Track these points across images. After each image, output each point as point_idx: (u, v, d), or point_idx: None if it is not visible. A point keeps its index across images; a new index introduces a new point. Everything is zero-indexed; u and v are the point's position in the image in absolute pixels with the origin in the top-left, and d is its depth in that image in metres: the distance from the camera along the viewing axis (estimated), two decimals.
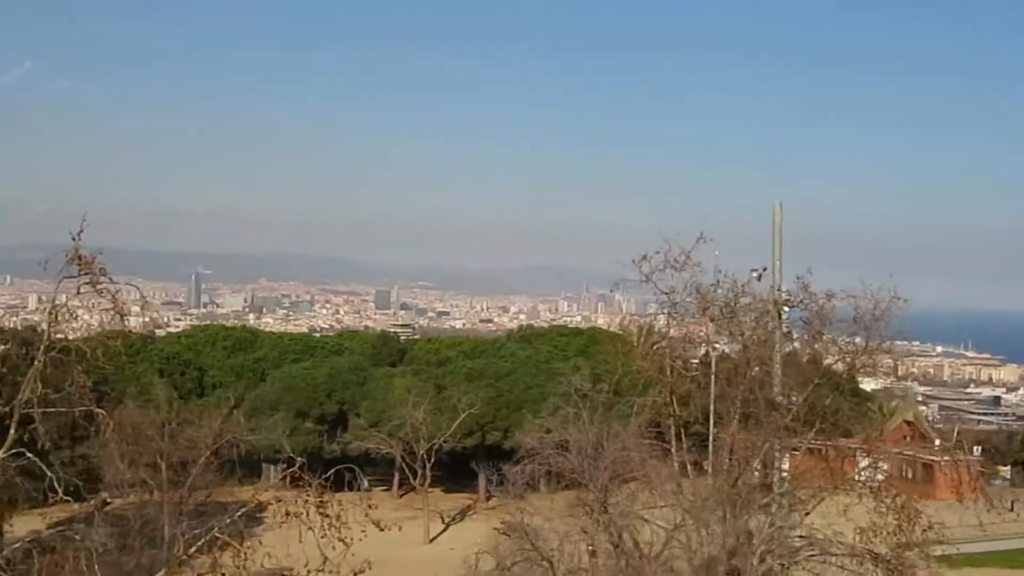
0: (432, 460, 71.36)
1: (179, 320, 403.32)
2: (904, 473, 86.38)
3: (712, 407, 33.68)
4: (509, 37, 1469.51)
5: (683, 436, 33.55)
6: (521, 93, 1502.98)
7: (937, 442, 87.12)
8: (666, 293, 32.34)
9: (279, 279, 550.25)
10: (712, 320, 32.01)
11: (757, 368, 35.10)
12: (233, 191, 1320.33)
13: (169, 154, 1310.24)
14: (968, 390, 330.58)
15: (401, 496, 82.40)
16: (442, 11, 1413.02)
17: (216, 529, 15.63)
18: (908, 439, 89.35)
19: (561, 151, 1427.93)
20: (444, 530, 73.16)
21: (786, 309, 37.73)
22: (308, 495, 14.70)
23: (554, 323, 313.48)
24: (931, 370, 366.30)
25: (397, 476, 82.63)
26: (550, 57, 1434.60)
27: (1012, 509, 77.45)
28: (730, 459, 30.94)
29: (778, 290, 36.33)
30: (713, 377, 34.55)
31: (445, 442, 70.43)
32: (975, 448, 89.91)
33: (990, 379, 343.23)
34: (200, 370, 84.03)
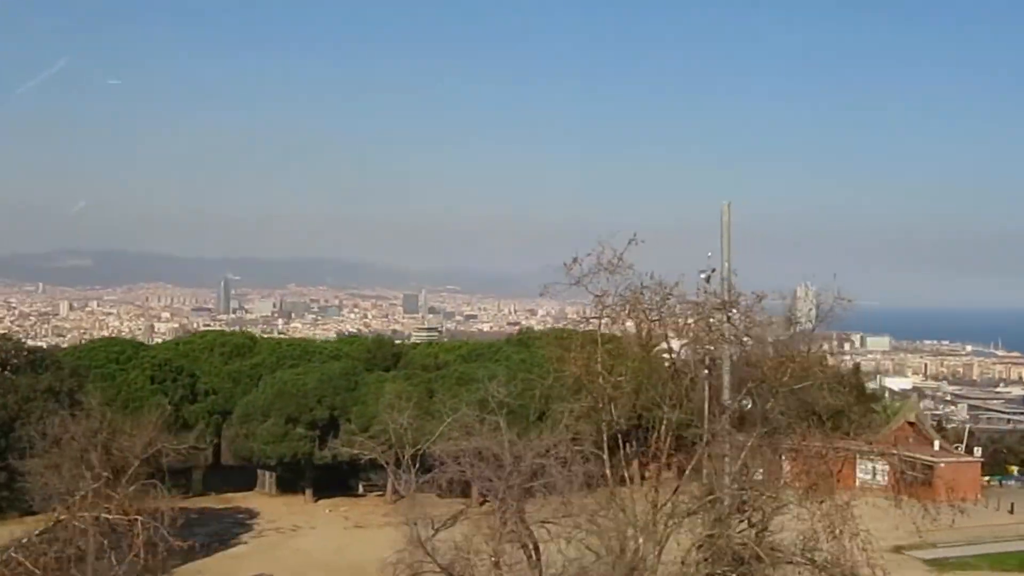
0: (417, 465, 70.83)
1: (208, 326, 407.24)
2: (904, 474, 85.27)
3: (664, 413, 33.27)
4: (536, 37, 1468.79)
5: (625, 444, 32.90)
6: (550, 92, 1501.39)
7: (936, 444, 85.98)
8: (598, 296, 31.99)
9: (308, 284, 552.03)
10: (640, 323, 31.51)
11: (706, 371, 34.79)
12: (264, 196, 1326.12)
13: (199, 160, 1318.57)
14: (998, 389, 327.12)
15: (394, 502, 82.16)
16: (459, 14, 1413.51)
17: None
18: (910, 440, 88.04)
19: (589, 152, 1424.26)
20: (434, 535, 72.63)
21: (734, 311, 37.44)
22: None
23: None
24: (960, 369, 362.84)
25: (391, 481, 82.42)
26: (571, 57, 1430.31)
27: (1012, 511, 76.64)
28: (659, 467, 30.59)
29: (720, 292, 36.12)
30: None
31: (431, 447, 69.83)
32: (976, 450, 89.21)
33: (1020, 378, 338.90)
34: (193, 376, 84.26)
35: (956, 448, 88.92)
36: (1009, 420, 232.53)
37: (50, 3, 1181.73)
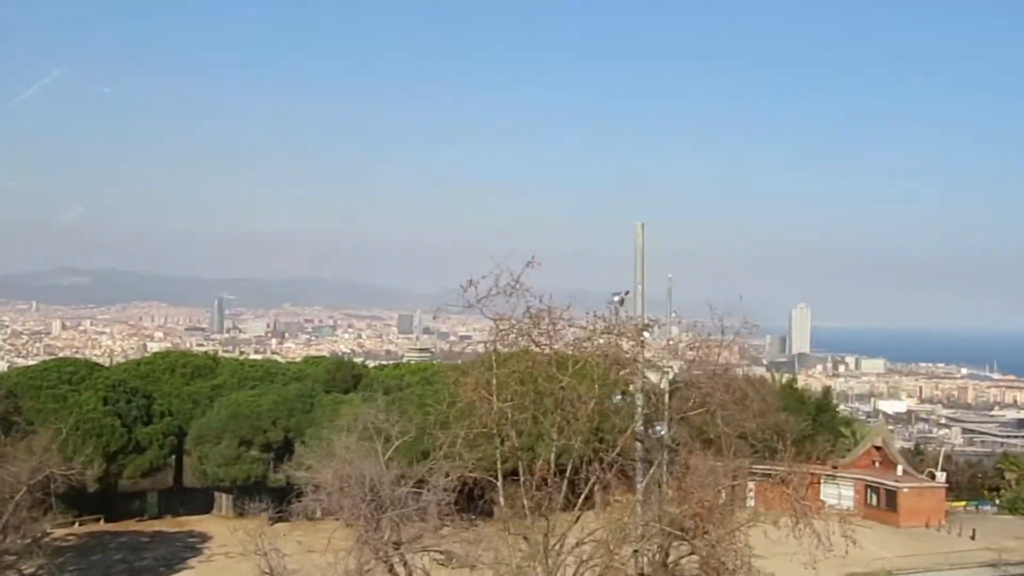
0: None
1: (201, 346, 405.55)
2: (868, 499, 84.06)
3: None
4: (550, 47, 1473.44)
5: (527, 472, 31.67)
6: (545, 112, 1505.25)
7: (899, 469, 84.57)
8: (494, 319, 31.17)
9: (302, 304, 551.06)
10: (538, 345, 30.49)
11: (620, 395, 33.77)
12: (258, 216, 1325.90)
13: (193, 180, 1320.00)
14: (992, 412, 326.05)
15: (349, 525, 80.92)
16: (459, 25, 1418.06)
17: None
18: (877, 464, 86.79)
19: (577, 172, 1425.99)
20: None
21: (647, 334, 36.47)
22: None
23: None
24: (955, 392, 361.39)
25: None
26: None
27: (974, 537, 75.26)
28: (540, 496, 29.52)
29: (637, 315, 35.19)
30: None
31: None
32: (939, 475, 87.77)
33: (1015, 401, 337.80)
34: (148, 397, 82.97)
35: (928, 473, 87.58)
36: (1003, 444, 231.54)
37: (40, 20, 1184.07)
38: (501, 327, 30.11)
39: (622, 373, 30.98)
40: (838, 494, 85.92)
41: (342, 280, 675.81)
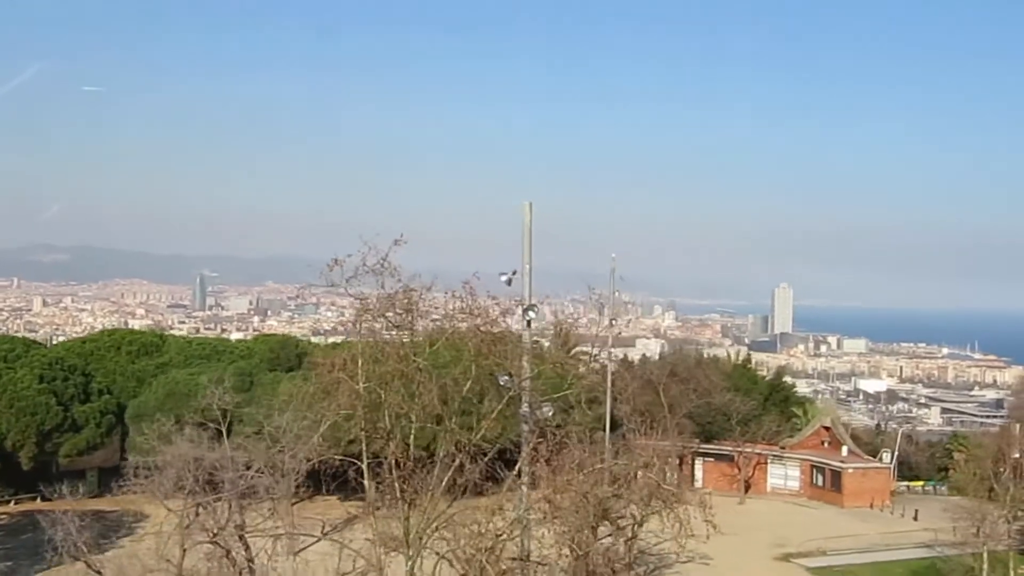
0: (302, 468, 68.73)
1: (183, 323, 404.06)
2: (814, 480, 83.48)
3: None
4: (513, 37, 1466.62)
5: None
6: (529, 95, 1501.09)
7: (844, 449, 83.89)
8: (359, 299, 30.29)
9: (285, 281, 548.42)
10: (396, 327, 29.50)
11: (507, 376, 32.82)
12: (241, 193, 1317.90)
13: (175, 157, 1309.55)
14: (972, 392, 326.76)
15: (293, 504, 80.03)
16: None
17: None
18: (826, 444, 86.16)
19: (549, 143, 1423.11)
20: (315, 542, 70.64)
21: (532, 313, 35.56)
22: None
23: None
24: (935, 372, 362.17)
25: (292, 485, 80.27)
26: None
27: (916, 518, 74.69)
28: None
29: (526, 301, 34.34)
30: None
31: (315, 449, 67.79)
32: (884, 455, 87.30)
33: (995, 381, 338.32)
34: (86, 376, 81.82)
35: (875, 453, 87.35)
36: (982, 423, 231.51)
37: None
38: (358, 308, 29.37)
39: (491, 355, 29.90)
40: (785, 474, 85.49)
41: (324, 259, 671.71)
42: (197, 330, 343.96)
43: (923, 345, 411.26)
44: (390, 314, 28.31)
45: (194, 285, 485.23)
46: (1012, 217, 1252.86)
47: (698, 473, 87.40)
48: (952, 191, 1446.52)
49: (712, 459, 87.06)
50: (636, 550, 57.44)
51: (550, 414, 33.58)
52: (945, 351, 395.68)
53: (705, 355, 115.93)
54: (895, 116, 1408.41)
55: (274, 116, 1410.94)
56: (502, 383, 32.25)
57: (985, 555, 53.76)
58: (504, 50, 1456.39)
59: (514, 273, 37.10)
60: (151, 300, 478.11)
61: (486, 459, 29.98)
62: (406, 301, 28.44)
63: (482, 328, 28.92)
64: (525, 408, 32.95)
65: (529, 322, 35.11)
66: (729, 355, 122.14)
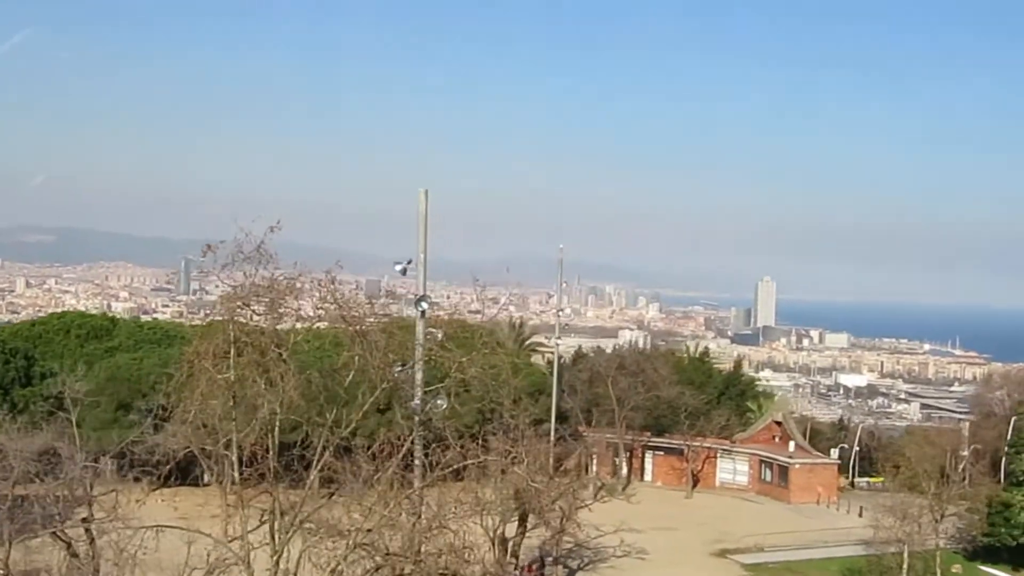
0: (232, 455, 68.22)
1: (167, 306, 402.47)
2: (762, 475, 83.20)
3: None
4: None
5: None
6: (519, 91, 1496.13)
7: (792, 445, 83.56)
8: (233, 286, 29.79)
9: (269, 267, 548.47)
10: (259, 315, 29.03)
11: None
12: (226, 178, 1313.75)
13: (162, 139, 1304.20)
14: (952, 388, 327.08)
15: (235, 492, 79.52)
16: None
17: None
18: (776, 440, 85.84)
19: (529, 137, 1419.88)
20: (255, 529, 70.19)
21: (425, 304, 35.22)
22: None
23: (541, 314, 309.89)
24: (916, 367, 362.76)
25: (230, 472, 79.76)
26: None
27: (860, 514, 74.33)
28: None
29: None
30: None
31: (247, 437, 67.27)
32: (832, 451, 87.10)
33: (974, 377, 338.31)
34: (29, 359, 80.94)
35: (840, 449, 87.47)
36: (959, 419, 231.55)
37: None
38: (226, 296, 28.94)
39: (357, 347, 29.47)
40: (734, 469, 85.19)
41: (310, 244, 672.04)
42: (181, 314, 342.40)
43: (905, 341, 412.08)
44: (254, 305, 27.74)
45: (179, 269, 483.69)
46: (1000, 212, 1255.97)
47: (648, 466, 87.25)
48: (942, 187, 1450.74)
49: (662, 453, 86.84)
50: (572, 544, 57.20)
51: (444, 407, 33.20)
52: (926, 347, 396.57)
53: (661, 348, 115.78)
54: (877, 110, 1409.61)
55: (268, 98, 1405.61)
56: (396, 373, 31.96)
57: (906, 553, 53.44)
58: (495, 34, 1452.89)
59: (409, 263, 36.77)
60: (136, 283, 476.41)
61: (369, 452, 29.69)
62: (271, 290, 27.94)
63: (348, 319, 28.45)
64: (416, 402, 32.71)
65: (423, 312, 34.82)
66: (708, 348, 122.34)
